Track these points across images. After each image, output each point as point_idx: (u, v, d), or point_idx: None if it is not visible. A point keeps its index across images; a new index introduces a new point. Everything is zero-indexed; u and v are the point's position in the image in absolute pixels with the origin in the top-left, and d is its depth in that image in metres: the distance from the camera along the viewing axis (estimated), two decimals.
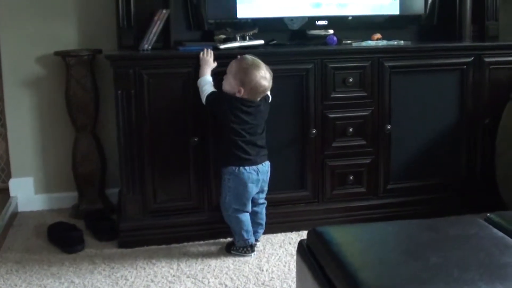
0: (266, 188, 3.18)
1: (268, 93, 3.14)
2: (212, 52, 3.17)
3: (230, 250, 3.15)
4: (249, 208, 3.13)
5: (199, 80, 3.12)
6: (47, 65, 3.72)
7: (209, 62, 3.14)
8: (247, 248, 3.13)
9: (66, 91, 3.62)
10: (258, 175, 3.08)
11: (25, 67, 3.70)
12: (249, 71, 3.00)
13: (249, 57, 3.06)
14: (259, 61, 3.05)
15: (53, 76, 3.73)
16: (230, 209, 3.10)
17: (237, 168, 3.05)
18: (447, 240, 1.85)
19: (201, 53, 3.15)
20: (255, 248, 3.16)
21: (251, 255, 3.12)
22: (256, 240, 3.21)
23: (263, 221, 3.23)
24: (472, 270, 1.65)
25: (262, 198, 3.20)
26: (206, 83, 3.10)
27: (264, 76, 3.01)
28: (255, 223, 3.20)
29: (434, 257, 1.72)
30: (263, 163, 3.10)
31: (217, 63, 3.16)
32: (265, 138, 3.14)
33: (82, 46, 3.71)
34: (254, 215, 3.19)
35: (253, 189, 3.09)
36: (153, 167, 3.23)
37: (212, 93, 3.06)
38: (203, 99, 3.08)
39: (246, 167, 3.05)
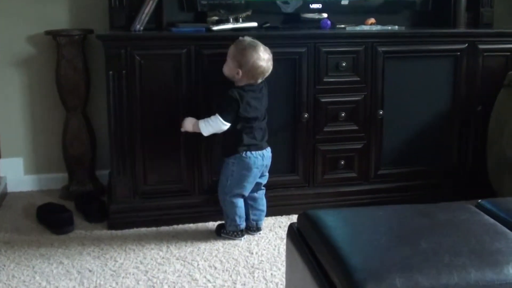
0: (267, 174, 3.17)
1: None
2: (193, 120, 3.10)
3: (220, 233, 3.14)
4: (247, 192, 3.12)
5: (201, 124, 3.02)
6: (38, 45, 3.69)
7: (189, 122, 3.09)
8: (237, 233, 3.12)
9: (57, 71, 3.59)
10: (263, 160, 3.08)
11: (16, 46, 3.67)
12: (246, 52, 2.97)
13: (247, 38, 3.04)
14: (257, 42, 3.02)
15: (43, 56, 3.70)
16: (230, 194, 3.08)
17: (244, 152, 3.03)
18: (438, 226, 1.85)
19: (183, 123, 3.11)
20: (258, 234, 3.17)
21: (240, 239, 3.11)
22: (258, 228, 3.20)
23: (264, 207, 3.21)
24: (463, 256, 1.64)
25: (263, 183, 3.19)
26: (208, 123, 3.01)
27: (262, 57, 2.98)
28: (256, 210, 3.18)
29: (425, 243, 1.71)
30: (267, 149, 3.10)
31: (211, 45, 3.15)
32: (265, 127, 3.14)
33: (73, 26, 3.68)
34: (254, 201, 3.18)
35: (256, 174, 3.08)
36: (144, 149, 3.21)
37: (221, 111, 2.99)
38: (222, 125, 2.99)
39: (253, 152, 3.04)
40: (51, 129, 3.79)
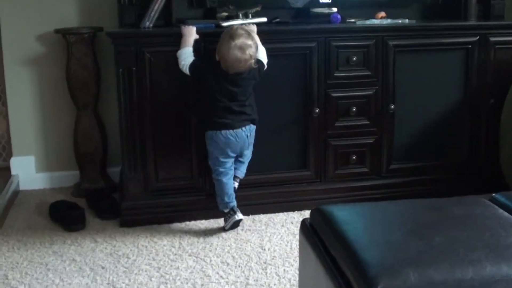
0: (249, 149, 3.20)
1: (264, 61, 3.12)
2: (195, 28, 3.14)
3: (224, 227, 3.17)
4: (230, 166, 3.16)
5: (179, 51, 3.09)
6: (48, 43, 3.70)
7: (192, 34, 3.11)
8: (230, 213, 3.14)
9: (67, 69, 3.59)
10: (236, 139, 3.09)
11: (26, 45, 3.68)
12: (222, 41, 3.02)
13: (235, 27, 3.06)
14: (242, 32, 3.01)
15: (53, 54, 3.71)
16: (214, 171, 3.14)
17: (214, 132, 3.08)
18: (452, 220, 1.83)
19: (184, 26, 3.14)
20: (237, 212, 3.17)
21: (235, 217, 3.13)
22: (236, 177, 3.23)
23: (243, 169, 3.25)
24: (477, 250, 1.63)
25: (245, 157, 3.22)
26: (187, 53, 3.08)
27: (231, 51, 2.97)
28: (237, 167, 3.23)
29: (438, 237, 1.70)
30: (243, 128, 3.10)
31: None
32: (252, 105, 3.12)
33: (83, 24, 3.68)
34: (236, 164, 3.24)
35: (229, 153, 3.11)
36: (155, 146, 3.21)
37: (194, 62, 3.06)
38: (186, 69, 3.06)
39: (223, 131, 3.07)
40: (62, 127, 3.80)
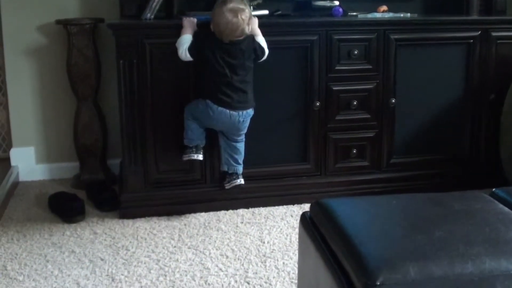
0: (240, 133, 3.19)
1: (261, 41, 3.12)
2: (195, 20, 3.14)
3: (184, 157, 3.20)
4: (203, 127, 3.17)
5: (179, 39, 3.09)
6: (49, 34, 3.69)
7: (192, 25, 3.11)
8: (191, 149, 3.16)
9: (68, 61, 3.59)
10: (229, 120, 3.09)
11: (26, 35, 3.67)
12: (215, 10, 3.04)
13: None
14: (234, 1, 3.03)
15: (54, 45, 3.70)
16: (188, 115, 3.15)
17: (210, 102, 3.08)
18: (452, 215, 1.83)
19: (185, 18, 3.14)
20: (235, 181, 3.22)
21: (194, 156, 3.15)
22: (231, 174, 3.24)
23: (237, 155, 3.22)
24: (477, 245, 1.62)
25: (239, 136, 3.20)
26: (186, 39, 3.08)
27: (224, 16, 2.99)
28: (230, 157, 3.22)
29: (439, 231, 1.69)
30: (240, 112, 3.10)
31: None
32: (251, 82, 3.12)
33: (84, 15, 3.68)
34: (229, 147, 3.21)
35: (216, 126, 3.14)
36: (155, 138, 3.21)
37: (191, 42, 3.07)
38: (185, 53, 3.06)
39: (220, 108, 3.07)
40: (63, 118, 3.79)
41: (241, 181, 3.22)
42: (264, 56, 3.13)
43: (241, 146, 3.23)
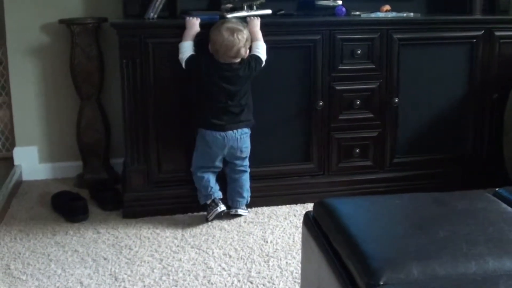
0: (243, 156, 3.17)
1: (262, 57, 3.10)
2: (199, 19, 3.13)
3: (207, 218, 3.17)
4: (213, 169, 3.16)
5: (181, 43, 3.09)
6: (52, 33, 3.69)
7: (195, 26, 3.10)
8: (211, 204, 3.14)
9: (71, 60, 3.59)
10: (225, 140, 3.08)
11: (30, 35, 3.67)
12: (212, 30, 3.04)
13: (229, 19, 3.08)
14: (235, 20, 3.05)
15: (57, 45, 3.70)
16: (195, 167, 3.15)
17: (203, 130, 3.09)
18: (455, 214, 1.83)
19: (188, 17, 3.13)
20: (219, 205, 3.16)
21: (217, 209, 3.13)
22: (236, 208, 3.21)
23: (243, 190, 3.21)
24: (480, 245, 1.63)
25: (240, 166, 3.18)
26: (187, 47, 3.07)
27: (220, 36, 2.98)
28: (234, 191, 3.21)
29: (442, 231, 1.70)
30: (235, 130, 3.09)
31: None
32: (248, 105, 3.12)
33: (87, 14, 3.68)
34: (233, 182, 3.21)
35: (217, 153, 3.11)
36: (158, 137, 3.21)
37: (191, 56, 3.06)
38: (183, 63, 3.07)
39: (213, 131, 3.07)
40: (66, 118, 3.79)
41: (221, 208, 3.14)
42: (260, 67, 3.11)
43: (245, 179, 3.22)
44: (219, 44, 3.00)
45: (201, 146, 3.13)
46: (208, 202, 3.16)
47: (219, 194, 3.18)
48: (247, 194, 3.23)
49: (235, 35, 2.99)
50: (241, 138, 3.11)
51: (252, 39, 3.11)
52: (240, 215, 3.21)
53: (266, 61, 3.14)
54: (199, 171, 3.14)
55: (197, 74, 3.09)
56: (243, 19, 3.17)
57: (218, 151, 3.11)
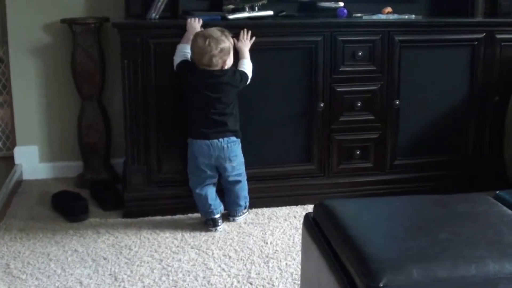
0: (233, 165, 3.08)
1: (248, 73, 3.08)
2: (201, 21, 3.12)
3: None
4: (207, 180, 3.10)
5: (178, 46, 3.09)
6: (54, 33, 3.69)
7: (196, 29, 3.08)
8: (209, 222, 3.11)
9: (72, 60, 3.59)
10: (210, 150, 3.02)
11: (31, 34, 3.67)
12: (192, 39, 3.01)
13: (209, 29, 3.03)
14: (205, 30, 3.00)
15: (59, 44, 3.70)
16: (191, 183, 3.13)
17: (190, 139, 3.07)
18: (456, 217, 1.83)
19: (190, 19, 3.12)
20: (218, 225, 3.12)
21: (212, 230, 3.09)
22: (234, 216, 3.19)
23: (239, 199, 3.16)
24: (480, 248, 1.62)
25: (231, 176, 3.10)
26: (182, 50, 3.07)
27: (197, 44, 2.96)
28: (230, 201, 3.18)
29: (442, 233, 1.69)
30: (220, 139, 3.02)
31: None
32: (234, 115, 3.06)
33: (89, 14, 3.68)
34: (229, 192, 3.17)
35: (203, 162, 3.05)
36: (158, 138, 3.21)
37: (182, 62, 3.06)
38: (174, 66, 3.08)
39: (198, 140, 3.04)
40: (67, 117, 3.79)
41: (217, 229, 3.10)
42: (245, 81, 3.09)
43: (240, 188, 3.16)
44: (193, 50, 2.99)
45: (190, 158, 3.10)
46: (207, 219, 3.13)
47: (218, 211, 3.12)
48: (244, 201, 3.19)
49: (207, 41, 2.93)
50: (228, 147, 3.05)
51: (239, 57, 3.10)
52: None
53: (267, 62, 3.15)
54: (197, 188, 3.10)
55: (183, 81, 3.08)
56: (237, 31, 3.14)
57: (204, 161, 3.04)
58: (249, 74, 3.11)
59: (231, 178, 3.12)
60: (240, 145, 3.10)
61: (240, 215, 3.20)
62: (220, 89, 3.00)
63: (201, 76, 3.00)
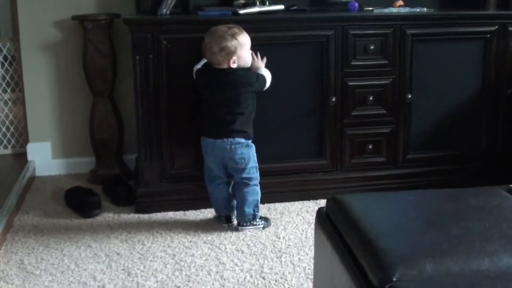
0: (240, 167, 3.01)
1: (266, 77, 3.03)
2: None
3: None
4: (217, 179, 3.07)
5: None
6: (65, 30, 3.70)
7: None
8: (221, 219, 3.12)
9: (84, 56, 3.60)
10: (214, 148, 2.99)
11: (43, 31, 3.68)
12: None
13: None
14: (219, 28, 2.94)
15: (70, 41, 3.71)
16: (205, 179, 3.11)
17: (202, 137, 3.06)
18: (469, 211, 1.82)
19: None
20: (231, 222, 3.11)
21: (224, 226, 3.08)
22: (240, 224, 3.07)
23: (244, 205, 3.04)
24: (494, 241, 1.62)
25: (240, 178, 3.03)
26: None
27: (209, 32, 2.94)
28: (238, 206, 3.08)
29: (455, 228, 1.69)
30: (225, 139, 2.96)
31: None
32: (245, 115, 2.98)
33: (100, 11, 3.68)
34: (237, 195, 3.09)
35: (210, 161, 3.04)
36: (171, 133, 3.21)
37: (200, 67, 3.06)
38: (193, 74, 3.06)
39: (205, 138, 3.03)
40: (79, 114, 3.81)
41: (227, 226, 3.08)
42: (262, 83, 3.03)
43: (247, 192, 3.04)
44: (204, 47, 2.96)
45: (203, 154, 3.09)
46: (219, 215, 3.14)
47: (225, 213, 3.10)
48: (249, 209, 3.03)
49: (209, 38, 2.92)
50: (232, 149, 2.97)
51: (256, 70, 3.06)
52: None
53: (278, 56, 3.15)
54: (208, 185, 3.09)
55: (197, 82, 3.08)
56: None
57: (211, 159, 3.02)
58: (268, 79, 3.05)
59: (239, 180, 3.04)
60: (250, 148, 3.01)
61: (246, 225, 3.05)
62: (229, 87, 2.96)
63: (209, 73, 2.99)
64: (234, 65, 2.94)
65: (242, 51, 2.94)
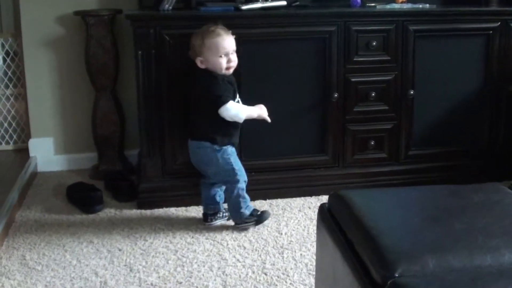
0: (208, 170, 3.03)
1: (226, 103, 2.89)
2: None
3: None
4: (202, 178, 3.08)
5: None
6: (67, 25, 3.70)
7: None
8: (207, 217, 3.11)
9: (86, 51, 3.60)
10: (189, 149, 3.05)
11: (45, 26, 3.68)
12: None
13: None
14: (206, 26, 2.95)
15: (73, 36, 3.71)
16: None
17: None
18: (471, 207, 1.82)
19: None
20: (207, 221, 3.08)
21: (204, 224, 3.07)
22: (210, 215, 3.09)
23: (213, 203, 3.07)
24: (496, 237, 1.61)
25: (217, 180, 3.05)
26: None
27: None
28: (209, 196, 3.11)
29: (457, 224, 1.69)
30: (193, 141, 3.01)
31: (239, 24, 3.14)
32: (209, 120, 2.93)
33: (102, 6, 3.68)
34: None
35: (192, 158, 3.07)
36: (173, 129, 3.21)
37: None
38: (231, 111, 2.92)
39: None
40: (81, 109, 3.81)
41: (209, 224, 3.06)
42: (218, 102, 2.88)
43: (229, 194, 3.00)
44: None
45: None
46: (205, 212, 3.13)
47: (204, 211, 3.09)
48: (235, 211, 3.00)
49: (194, 36, 2.96)
50: (197, 151, 3.00)
51: None
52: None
53: (280, 52, 3.16)
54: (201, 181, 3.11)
55: None
56: None
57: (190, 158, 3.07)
58: (232, 112, 2.89)
59: (211, 180, 3.06)
60: (218, 153, 2.94)
61: (239, 224, 3.02)
62: (196, 88, 2.98)
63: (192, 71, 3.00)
64: (202, 66, 2.93)
65: (209, 54, 2.90)
